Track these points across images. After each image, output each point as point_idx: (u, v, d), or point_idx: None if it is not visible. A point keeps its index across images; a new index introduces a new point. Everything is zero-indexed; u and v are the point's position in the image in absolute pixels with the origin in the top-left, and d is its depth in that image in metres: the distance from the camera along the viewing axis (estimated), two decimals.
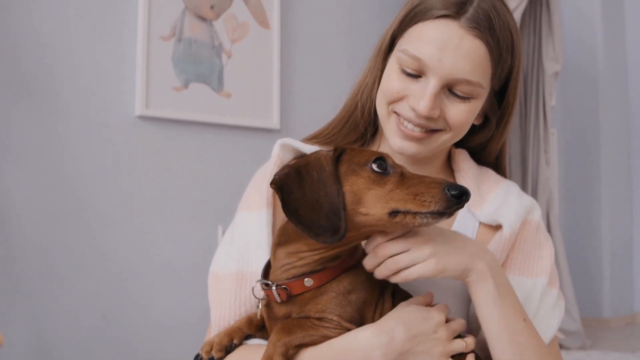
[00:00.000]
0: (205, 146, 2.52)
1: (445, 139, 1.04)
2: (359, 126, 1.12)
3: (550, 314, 1.04)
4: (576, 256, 4.38)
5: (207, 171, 2.51)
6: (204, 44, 2.51)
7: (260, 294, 0.97)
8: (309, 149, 1.12)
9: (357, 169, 0.88)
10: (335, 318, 0.92)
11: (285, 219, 0.93)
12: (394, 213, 0.84)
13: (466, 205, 1.11)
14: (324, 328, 0.92)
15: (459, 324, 0.97)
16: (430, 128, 1.01)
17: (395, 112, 1.03)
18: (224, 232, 2.37)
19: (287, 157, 1.12)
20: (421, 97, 0.98)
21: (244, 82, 2.59)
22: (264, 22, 2.65)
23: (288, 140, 1.10)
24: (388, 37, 1.06)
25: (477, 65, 0.98)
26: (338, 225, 0.85)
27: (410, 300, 0.98)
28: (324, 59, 2.82)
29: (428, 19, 0.99)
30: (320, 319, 0.93)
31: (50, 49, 2.25)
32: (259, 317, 0.98)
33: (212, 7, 2.53)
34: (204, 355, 0.99)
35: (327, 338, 0.92)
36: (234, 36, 2.58)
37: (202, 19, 2.51)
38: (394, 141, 1.04)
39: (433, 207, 0.83)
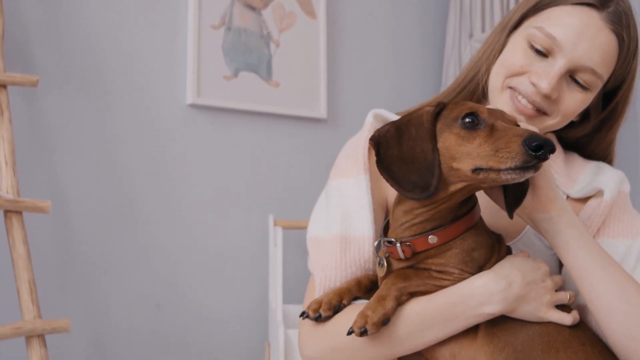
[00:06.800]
0: (254, 135, 2.51)
1: (549, 125, 1.05)
2: (473, 98, 1.13)
3: None
4: None
5: (256, 160, 2.51)
6: (253, 33, 2.51)
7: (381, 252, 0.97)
8: None
9: (450, 124, 0.87)
10: (456, 272, 0.92)
11: None
12: (477, 170, 0.84)
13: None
14: (443, 280, 0.92)
15: (558, 278, 0.98)
16: (542, 109, 1.03)
17: (510, 87, 1.04)
18: (274, 221, 2.36)
19: (379, 127, 1.14)
20: (546, 75, 1.00)
21: (291, 71, 2.58)
22: (310, 12, 2.64)
23: (381, 111, 1.13)
24: (518, 16, 1.07)
25: (606, 59, 1.01)
26: (429, 182, 0.85)
27: (516, 253, 0.99)
28: (370, 48, 2.81)
29: (570, 3, 1.01)
30: (440, 271, 0.92)
31: (101, 40, 2.26)
32: (381, 275, 0.97)
33: None
34: (310, 313, 0.98)
35: (442, 289, 0.92)
36: (281, 25, 2.57)
37: (251, 8, 2.51)
38: None
39: (510, 163, 0.81)
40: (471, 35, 2.78)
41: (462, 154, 0.85)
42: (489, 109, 0.89)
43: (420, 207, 0.92)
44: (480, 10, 2.77)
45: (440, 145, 0.87)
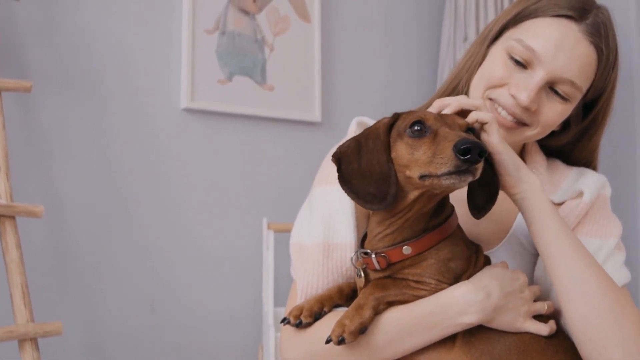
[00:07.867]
0: (249, 139, 2.52)
1: (529, 135, 1.07)
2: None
3: (614, 271, 1.03)
4: None
5: (251, 163, 2.52)
6: (247, 37, 2.52)
7: (359, 263, 0.99)
8: None
9: (401, 134, 0.89)
10: (433, 282, 0.93)
11: None
12: (422, 177, 0.85)
13: None
14: (420, 290, 0.93)
15: (536, 288, 1.00)
16: (521, 120, 1.04)
17: (490, 99, 1.06)
18: (268, 224, 2.37)
19: None
20: (525, 87, 1.02)
21: (286, 75, 2.59)
22: (304, 16, 2.65)
23: (364, 118, 1.15)
24: (498, 27, 1.09)
25: (585, 70, 1.02)
26: (386, 192, 0.86)
27: (495, 264, 1.00)
28: (364, 52, 2.82)
29: (549, 15, 1.03)
30: (417, 281, 0.93)
31: (96, 43, 2.27)
32: (360, 285, 0.98)
33: (254, 1, 2.54)
34: (291, 319, 0.99)
35: (419, 299, 0.93)
36: (276, 30, 2.58)
37: (245, 12, 2.52)
38: None
39: (444, 169, 0.81)
40: (466, 39, 2.79)
41: (411, 162, 0.86)
42: (438, 115, 0.91)
43: (389, 217, 0.93)
44: (474, 13, 2.77)
45: (393, 155, 0.89)
